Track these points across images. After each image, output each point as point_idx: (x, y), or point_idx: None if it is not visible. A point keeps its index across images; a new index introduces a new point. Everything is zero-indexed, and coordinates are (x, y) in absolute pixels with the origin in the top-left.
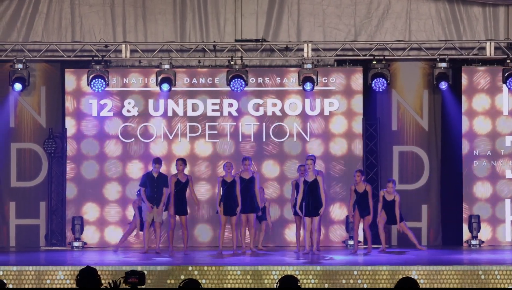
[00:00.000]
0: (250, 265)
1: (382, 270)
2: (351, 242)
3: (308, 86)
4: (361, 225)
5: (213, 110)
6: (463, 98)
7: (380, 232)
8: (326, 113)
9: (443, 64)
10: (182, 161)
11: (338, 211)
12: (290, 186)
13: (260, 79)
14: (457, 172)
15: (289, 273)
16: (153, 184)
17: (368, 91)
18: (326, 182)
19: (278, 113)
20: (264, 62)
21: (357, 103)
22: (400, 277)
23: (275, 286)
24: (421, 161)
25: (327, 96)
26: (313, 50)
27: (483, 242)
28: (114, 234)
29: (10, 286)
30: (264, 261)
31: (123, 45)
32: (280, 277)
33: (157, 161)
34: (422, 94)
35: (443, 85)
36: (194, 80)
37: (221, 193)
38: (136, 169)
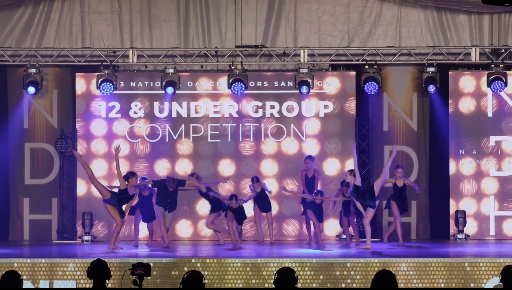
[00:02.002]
0: (249, 257)
1: (374, 262)
2: (344, 236)
3: (304, 89)
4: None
5: (214, 112)
6: (450, 100)
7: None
8: (321, 114)
9: (431, 69)
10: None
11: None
12: (289, 183)
13: (259, 83)
14: (444, 170)
15: (286, 265)
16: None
17: (360, 94)
18: (321, 180)
19: (276, 115)
20: (263, 66)
21: (351, 105)
22: (391, 269)
23: (273, 278)
24: (411, 159)
25: (322, 99)
26: (309, 55)
27: (468, 236)
28: (123, 229)
29: (24, 277)
30: (262, 254)
31: (130, 51)
32: (277, 269)
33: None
34: (411, 96)
35: (431, 89)
36: (197, 84)
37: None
38: (142, 167)
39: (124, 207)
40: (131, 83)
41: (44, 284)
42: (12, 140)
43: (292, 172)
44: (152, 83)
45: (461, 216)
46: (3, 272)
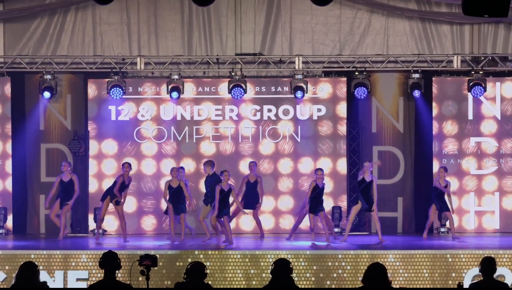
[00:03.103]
0: (248, 249)
1: (363, 254)
2: (336, 230)
3: (299, 94)
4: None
5: (216, 115)
6: (434, 104)
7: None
8: (315, 117)
9: (416, 75)
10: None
11: (325, 203)
12: (284, 180)
13: (257, 88)
14: (428, 169)
15: (282, 256)
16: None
17: (351, 99)
18: (313, 177)
19: (273, 118)
20: (260, 73)
21: (342, 109)
22: (379, 260)
23: (270, 268)
24: (397, 159)
25: (316, 103)
26: (303, 62)
27: (450, 229)
28: (130, 223)
29: (41, 267)
30: (260, 246)
31: (138, 58)
32: (274, 260)
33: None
34: (398, 101)
35: (416, 93)
36: (200, 89)
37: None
38: (149, 166)
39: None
40: (139, 88)
41: (58, 274)
42: (29, 141)
43: (287, 170)
44: (158, 88)
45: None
46: (22, 263)
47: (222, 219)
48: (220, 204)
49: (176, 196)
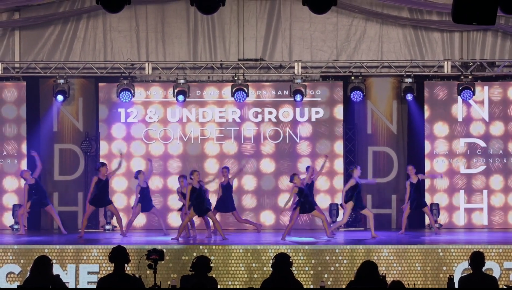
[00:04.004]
0: (250, 244)
1: (359, 248)
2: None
3: (298, 97)
4: None
5: (220, 117)
6: (426, 107)
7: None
8: (313, 119)
9: (409, 79)
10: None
11: (323, 200)
12: (284, 179)
13: (259, 92)
14: (420, 168)
15: (282, 251)
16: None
17: (347, 102)
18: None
19: (274, 120)
20: (262, 77)
21: (339, 111)
22: (374, 254)
23: (271, 262)
24: (391, 159)
25: (314, 106)
26: (302, 67)
27: (441, 225)
28: (138, 219)
29: (54, 261)
30: (262, 241)
31: (146, 64)
32: (275, 254)
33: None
34: (392, 104)
35: (409, 97)
36: (204, 92)
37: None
38: (156, 166)
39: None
40: (147, 92)
41: (71, 267)
42: (43, 141)
43: (287, 169)
44: (165, 92)
45: (435, 208)
46: (36, 257)
47: (206, 216)
48: (196, 202)
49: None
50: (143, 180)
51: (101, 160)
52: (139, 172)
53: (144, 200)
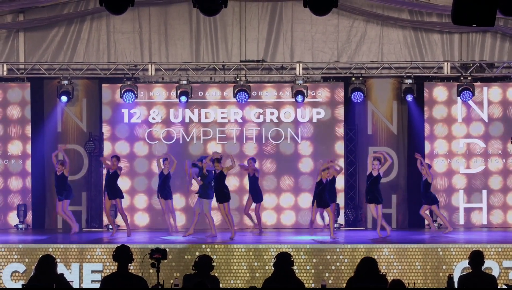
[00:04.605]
0: (252, 243)
1: (360, 247)
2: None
3: (299, 98)
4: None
5: (222, 118)
6: (425, 108)
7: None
8: (314, 120)
9: (409, 80)
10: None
11: None
12: (286, 179)
13: (260, 92)
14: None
15: (284, 250)
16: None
17: (348, 102)
18: (313, 176)
19: (275, 120)
20: (263, 78)
21: (340, 112)
22: (374, 253)
23: (273, 261)
24: (391, 159)
25: (315, 106)
26: (303, 69)
27: (441, 225)
28: (141, 219)
29: (58, 260)
30: (263, 240)
31: (149, 65)
32: (276, 253)
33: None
34: (392, 104)
35: (409, 98)
36: (207, 93)
37: None
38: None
39: None
40: (150, 92)
41: (75, 266)
42: (48, 142)
43: (289, 169)
44: (168, 93)
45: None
46: (40, 256)
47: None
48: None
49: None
50: (167, 167)
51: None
52: (166, 159)
53: (165, 188)
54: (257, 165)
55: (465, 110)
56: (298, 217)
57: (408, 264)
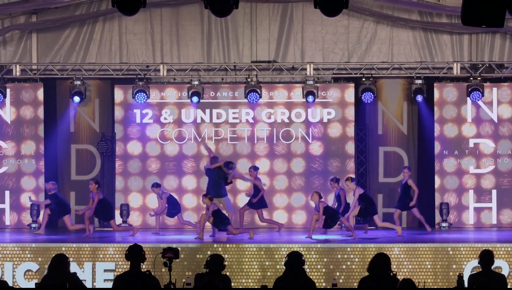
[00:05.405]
0: (263, 243)
1: (370, 247)
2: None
3: (310, 98)
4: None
5: (233, 118)
6: (435, 108)
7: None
8: (325, 120)
9: (419, 81)
10: None
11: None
12: (297, 179)
13: (271, 93)
14: (430, 168)
15: (295, 249)
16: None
17: (358, 103)
18: (323, 176)
19: (286, 120)
20: (274, 79)
21: (350, 112)
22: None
23: (284, 260)
24: (401, 159)
25: (326, 107)
26: (314, 69)
27: (451, 224)
28: (153, 218)
29: (71, 259)
30: (275, 239)
31: (161, 66)
32: (288, 252)
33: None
34: (402, 105)
35: (419, 98)
36: (218, 94)
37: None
38: (171, 166)
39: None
40: (162, 93)
41: (87, 265)
42: (60, 142)
43: (300, 169)
44: (180, 93)
45: (445, 207)
46: (53, 255)
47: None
48: None
49: None
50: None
51: (117, 160)
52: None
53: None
54: (268, 165)
55: (475, 110)
56: (309, 217)
57: (418, 263)
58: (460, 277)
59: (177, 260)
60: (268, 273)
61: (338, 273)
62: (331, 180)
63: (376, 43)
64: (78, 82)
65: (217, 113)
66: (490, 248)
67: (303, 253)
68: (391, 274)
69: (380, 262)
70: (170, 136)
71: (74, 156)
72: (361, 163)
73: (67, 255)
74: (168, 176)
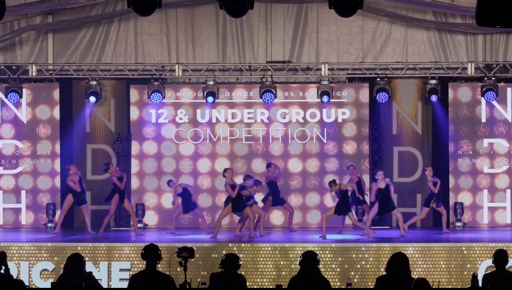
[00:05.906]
0: (278, 242)
1: (385, 246)
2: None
3: (325, 98)
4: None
5: (248, 118)
6: (450, 108)
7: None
8: (340, 120)
9: (434, 81)
10: None
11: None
12: (311, 178)
13: (286, 93)
14: (445, 168)
15: (309, 249)
16: None
17: (373, 103)
18: (338, 175)
19: (301, 120)
20: (289, 79)
21: (365, 112)
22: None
23: (299, 259)
24: (416, 159)
25: (340, 107)
26: (329, 69)
27: (465, 224)
28: (169, 217)
29: (87, 259)
30: (289, 239)
31: (176, 66)
32: (302, 252)
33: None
34: (416, 105)
35: (434, 98)
36: (234, 94)
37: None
38: (187, 166)
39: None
40: (177, 93)
41: (103, 265)
42: (76, 141)
43: (314, 169)
44: (195, 93)
45: (459, 207)
46: (69, 254)
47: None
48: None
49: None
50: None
51: (132, 160)
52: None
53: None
54: (283, 165)
55: (489, 110)
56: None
57: (432, 263)
58: (475, 277)
59: (192, 259)
60: (283, 273)
61: (352, 273)
62: (350, 166)
63: (391, 43)
64: (94, 82)
65: (232, 113)
66: (505, 248)
67: (317, 252)
68: (410, 274)
69: (398, 262)
70: (185, 136)
71: (90, 156)
72: (375, 163)
73: (82, 255)
74: (183, 176)
